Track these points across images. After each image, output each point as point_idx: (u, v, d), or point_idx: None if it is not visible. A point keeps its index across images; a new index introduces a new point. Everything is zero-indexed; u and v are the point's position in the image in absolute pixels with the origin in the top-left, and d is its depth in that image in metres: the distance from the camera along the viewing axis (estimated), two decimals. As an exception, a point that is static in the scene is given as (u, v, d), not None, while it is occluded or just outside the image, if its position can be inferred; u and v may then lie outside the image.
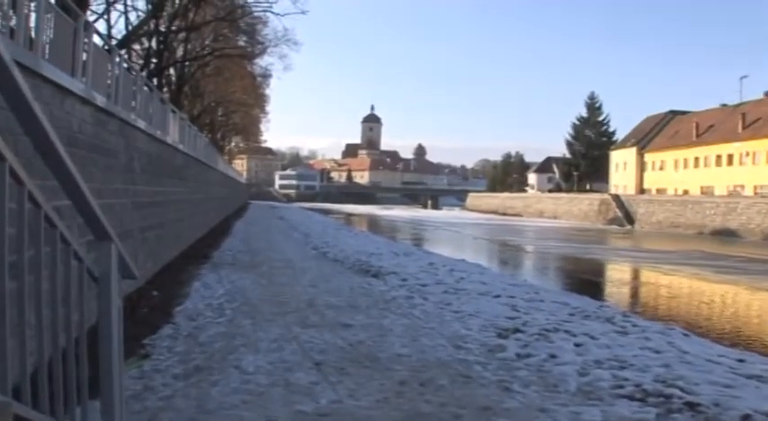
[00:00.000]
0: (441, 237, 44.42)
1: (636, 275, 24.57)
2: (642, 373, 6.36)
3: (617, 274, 24.85)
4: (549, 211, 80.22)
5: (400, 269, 15.36)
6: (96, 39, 9.86)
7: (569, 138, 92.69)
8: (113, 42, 20.58)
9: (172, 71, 35.75)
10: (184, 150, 19.48)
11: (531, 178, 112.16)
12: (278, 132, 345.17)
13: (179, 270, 14.78)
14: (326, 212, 77.36)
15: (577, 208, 73.34)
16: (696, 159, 66.13)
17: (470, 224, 62.39)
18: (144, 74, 20.83)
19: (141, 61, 30.33)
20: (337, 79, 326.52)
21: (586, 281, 21.45)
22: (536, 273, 23.60)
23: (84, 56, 8.93)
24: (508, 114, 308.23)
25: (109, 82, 10.46)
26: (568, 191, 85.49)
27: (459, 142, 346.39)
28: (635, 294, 19.13)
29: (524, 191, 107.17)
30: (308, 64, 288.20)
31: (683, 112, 76.18)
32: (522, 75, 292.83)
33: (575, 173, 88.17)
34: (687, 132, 69.41)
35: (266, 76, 50.98)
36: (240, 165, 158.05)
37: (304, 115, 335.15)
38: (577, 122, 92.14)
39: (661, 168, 72.38)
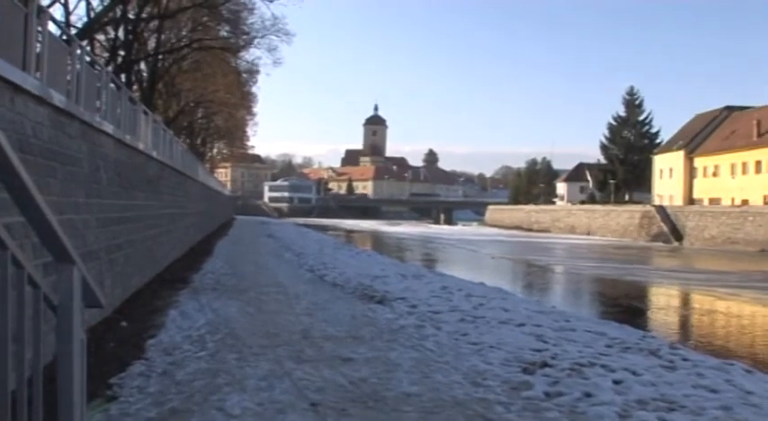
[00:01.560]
0: (455, 256, 44.26)
1: (686, 300, 24.41)
2: (696, 417, 6.28)
3: (663, 299, 24.70)
4: (581, 226, 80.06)
5: (409, 294, 15.31)
6: (52, 27, 9.89)
7: (605, 140, 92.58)
8: (73, 32, 20.66)
9: (143, 66, 35.93)
10: (159, 158, 19.53)
11: (561, 188, 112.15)
12: (267, 137, 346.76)
13: (153, 296, 14.76)
14: (324, 229, 77.30)
15: (615, 222, 73.21)
16: (757, 163, 64.39)
17: (490, 241, 62.26)
18: (110, 69, 20.85)
19: (107, 54, 30.45)
20: (335, 76, 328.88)
21: (626, 307, 21.30)
22: (567, 299, 23.44)
23: (38, 47, 8.94)
24: (533, 115, 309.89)
25: (68, 78, 10.50)
26: (604, 202, 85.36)
27: (476, 147, 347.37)
28: (685, 323, 19.00)
29: (552, 202, 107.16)
30: (301, 58, 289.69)
31: (741, 108, 74.71)
32: (548, 69, 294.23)
33: (611, 181, 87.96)
34: (746, 132, 68.23)
35: (253, 71, 51.26)
36: (224, 175, 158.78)
37: (297, 117, 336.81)
38: (614, 123, 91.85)
39: (714, 174, 72.02)
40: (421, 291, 15.98)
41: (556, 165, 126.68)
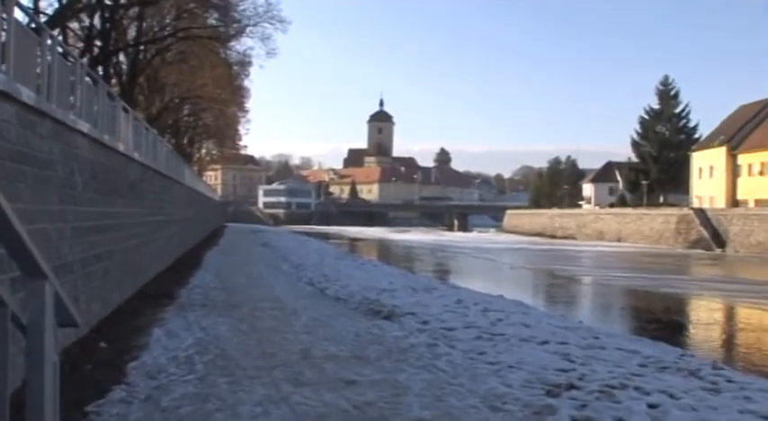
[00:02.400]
0: (471, 267, 44.18)
1: (730, 315, 24.30)
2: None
3: (704, 314, 24.60)
4: (610, 232, 79.86)
5: (420, 309, 15.30)
6: (19, 14, 9.89)
7: (636, 136, 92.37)
8: (43, 19, 20.71)
9: (122, 57, 35.98)
10: (141, 160, 19.57)
11: (587, 189, 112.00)
12: (261, 136, 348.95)
13: (135, 314, 14.77)
14: (325, 237, 77.29)
15: (648, 227, 73.05)
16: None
17: (509, 250, 62.13)
18: (85, 61, 20.95)
19: (81, 44, 30.47)
20: (336, 67, 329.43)
21: (662, 322, 21.23)
22: (595, 313, 23.40)
23: (3, 37, 8.95)
24: (555, 109, 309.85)
25: (38, 72, 10.51)
26: (636, 205, 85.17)
27: (492, 146, 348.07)
28: (729, 340, 18.89)
29: (578, 206, 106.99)
30: (298, 49, 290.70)
31: (792, 98, 74.79)
32: (571, 59, 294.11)
33: (644, 181, 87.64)
34: (798, 124, 68.29)
35: (245, 63, 51.32)
36: (213, 178, 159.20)
37: (294, 114, 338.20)
38: (646, 116, 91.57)
39: (761, 173, 71.62)
40: (433, 306, 15.96)
41: (581, 165, 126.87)
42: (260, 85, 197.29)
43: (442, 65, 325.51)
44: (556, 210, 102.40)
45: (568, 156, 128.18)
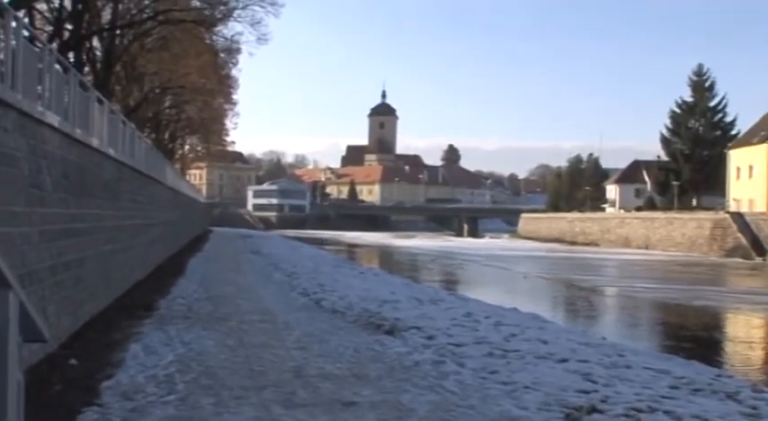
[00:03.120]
0: (482, 276, 44.16)
1: (771, 331, 24.33)
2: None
3: (742, 330, 24.55)
4: (637, 238, 79.83)
5: (425, 322, 15.28)
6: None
7: (666, 132, 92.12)
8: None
9: (96, 43, 35.90)
10: (117, 157, 19.57)
11: (611, 191, 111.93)
12: (251, 131, 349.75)
13: (110, 327, 14.75)
14: (321, 243, 77.21)
15: (680, 233, 73.01)
16: None
17: (524, 257, 62.11)
18: (55, 46, 20.90)
19: (50, 28, 30.38)
20: (334, 56, 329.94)
21: (695, 338, 21.21)
22: (620, 328, 23.36)
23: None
24: (577, 102, 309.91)
25: (1, 58, 10.49)
26: (666, 208, 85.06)
27: (506, 142, 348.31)
28: (770, 359, 18.91)
29: (601, 209, 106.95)
30: (292, 35, 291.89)
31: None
32: (595, 46, 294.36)
33: (674, 182, 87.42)
34: None
35: (233, 50, 51.23)
36: (197, 178, 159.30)
37: (288, 107, 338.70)
38: (678, 110, 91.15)
39: (807, 173, 71.73)
40: (440, 319, 15.95)
41: (605, 164, 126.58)
42: (249, 74, 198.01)
43: (450, 53, 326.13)
44: (576, 214, 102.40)
45: (590, 154, 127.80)
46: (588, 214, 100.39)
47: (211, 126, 69.44)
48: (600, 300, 32.94)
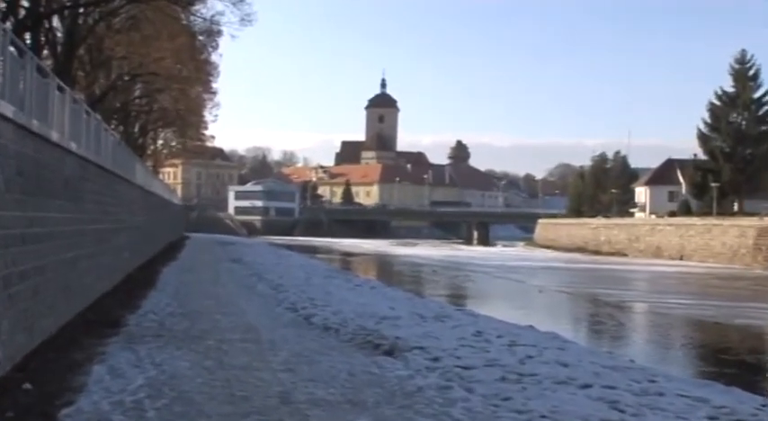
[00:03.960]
0: (494, 290, 44.13)
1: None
2: None
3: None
4: (670, 247, 79.81)
5: (429, 342, 15.23)
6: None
7: (704, 128, 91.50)
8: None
9: (56, 23, 35.79)
10: (80, 152, 19.51)
11: (641, 194, 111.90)
12: (233, 124, 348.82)
13: (71, 345, 14.67)
14: (312, 251, 77.17)
15: (719, 242, 72.93)
16: None
17: (541, 269, 62.13)
18: (9, 26, 20.82)
19: (3, 5, 30.25)
20: (328, 41, 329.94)
21: (737, 362, 21.13)
22: (650, 349, 23.33)
23: None
24: (601, 93, 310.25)
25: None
26: (703, 214, 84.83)
27: (522, 138, 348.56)
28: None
29: (630, 214, 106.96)
30: (281, 17, 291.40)
31: None
32: (622, 31, 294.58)
33: (713, 184, 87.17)
34: None
35: (212, 33, 51.11)
36: (172, 176, 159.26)
37: (275, 98, 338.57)
38: (717, 102, 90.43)
39: None
40: (446, 338, 15.89)
41: (634, 163, 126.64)
42: (232, 60, 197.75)
43: (458, 38, 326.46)
44: (601, 220, 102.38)
45: (617, 152, 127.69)
46: (614, 220, 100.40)
47: (188, 118, 69.29)
48: (628, 317, 32.90)
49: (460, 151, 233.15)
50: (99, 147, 23.70)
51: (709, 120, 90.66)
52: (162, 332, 16.74)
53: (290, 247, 77.96)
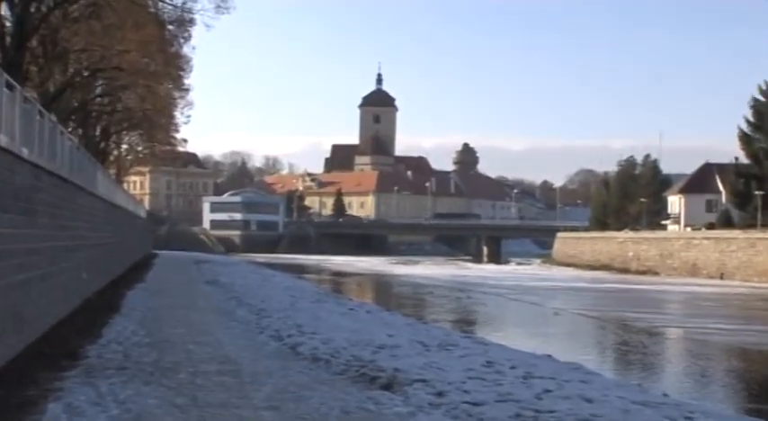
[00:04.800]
0: (507, 314, 44.13)
1: None
2: None
3: None
4: (709, 265, 79.69)
5: (433, 374, 15.22)
6: None
7: (745, 127, 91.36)
8: None
9: (5, 10, 35.83)
10: (32, 159, 19.50)
11: (675, 203, 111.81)
12: (208, 126, 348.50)
13: (22, 380, 14.64)
14: (299, 270, 77.07)
15: (765, 257, 72.84)
16: None
17: (561, 289, 62.15)
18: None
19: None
20: (316, 31, 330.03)
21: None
22: (686, 381, 23.27)
23: None
24: (628, 90, 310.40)
25: None
26: (747, 226, 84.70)
27: (538, 141, 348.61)
28: None
29: (662, 227, 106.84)
30: (261, 6, 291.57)
31: None
32: (651, 19, 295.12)
33: (757, 192, 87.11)
34: None
35: (184, 22, 51.10)
36: (138, 186, 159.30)
37: (256, 97, 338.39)
38: (762, 98, 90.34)
39: None
40: (452, 370, 15.88)
41: (666, 168, 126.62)
42: (206, 54, 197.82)
43: (464, 27, 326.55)
44: (629, 234, 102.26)
45: (647, 156, 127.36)
46: (644, 233, 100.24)
47: (156, 119, 69.20)
48: (660, 344, 32.92)
49: (468, 156, 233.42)
50: (54, 152, 23.70)
51: (751, 119, 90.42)
52: (127, 364, 16.70)
53: (273, 266, 77.89)
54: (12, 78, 18.63)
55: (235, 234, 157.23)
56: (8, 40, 34.81)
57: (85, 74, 48.59)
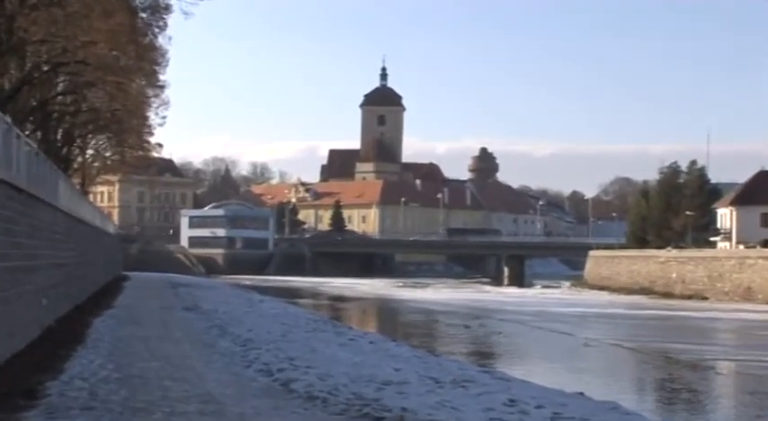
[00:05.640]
0: (532, 344, 44.15)
1: None
2: None
3: None
4: (766, 288, 79.51)
5: (447, 414, 15.27)
6: None
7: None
8: None
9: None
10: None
11: (725, 216, 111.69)
12: (187, 130, 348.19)
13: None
14: (292, 295, 77.04)
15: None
16: None
17: (594, 316, 62.19)
18: None
19: None
20: (311, 21, 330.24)
21: None
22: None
23: None
24: (670, 86, 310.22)
25: None
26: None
27: (566, 145, 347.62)
28: None
29: (711, 244, 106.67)
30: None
31: None
32: (697, 6, 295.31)
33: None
34: None
35: (159, 9, 51.34)
36: (107, 198, 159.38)
37: (242, 96, 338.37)
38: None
39: None
40: (468, 409, 15.91)
41: (715, 176, 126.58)
42: (185, 46, 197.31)
43: (481, 15, 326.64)
44: (672, 252, 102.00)
45: (693, 162, 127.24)
46: (690, 252, 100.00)
47: (127, 120, 69.13)
48: (709, 380, 32.87)
49: (486, 162, 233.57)
50: (9, 159, 23.74)
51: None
52: (93, 403, 16.70)
53: (262, 290, 77.86)
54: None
55: (217, 253, 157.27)
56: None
57: (45, 69, 48.66)
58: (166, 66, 65.30)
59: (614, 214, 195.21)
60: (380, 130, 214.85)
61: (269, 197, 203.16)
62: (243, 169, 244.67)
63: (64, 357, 23.56)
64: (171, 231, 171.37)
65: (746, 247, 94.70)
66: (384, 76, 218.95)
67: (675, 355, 38.57)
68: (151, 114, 72.51)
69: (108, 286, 63.30)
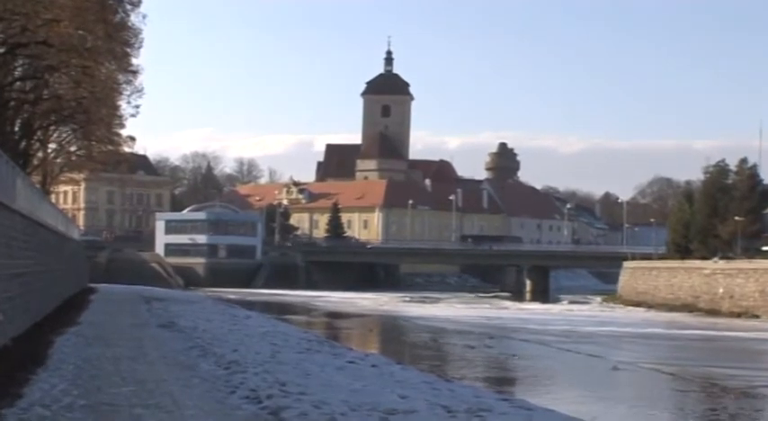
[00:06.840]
0: (557, 368, 44.09)
1: None
2: None
3: None
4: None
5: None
6: None
7: None
8: None
9: None
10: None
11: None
12: (163, 121, 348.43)
13: None
14: (283, 310, 77.11)
15: None
16: None
17: (628, 337, 62.31)
18: None
19: None
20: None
21: None
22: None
23: None
24: (713, 77, 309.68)
25: None
26: None
27: (596, 140, 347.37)
28: None
29: (762, 254, 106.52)
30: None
31: None
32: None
33: None
34: None
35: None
36: (71, 199, 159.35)
37: (226, 82, 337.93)
38: None
39: None
40: (485, 443, 15.89)
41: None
42: (161, 28, 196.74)
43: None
44: (719, 263, 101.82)
45: (742, 160, 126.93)
46: (739, 263, 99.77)
47: (95, 110, 69.00)
48: (762, 411, 32.87)
49: (505, 159, 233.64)
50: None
51: None
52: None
53: (249, 305, 77.96)
54: None
55: (198, 262, 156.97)
56: None
57: (1, 51, 48.74)
58: (140, 48, 65.03)
59: (652, 220, 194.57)
60: (385, 123, 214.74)
61: (257, 198, 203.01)
62: (227, 166, 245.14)
63: (22, 381, 23.57)
64: (143, 237, 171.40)
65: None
66: (389, 60, 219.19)
67: (722, 381, 38.57)
68: (122, 103, 72.22)
69: (72, 300, 63.35)
